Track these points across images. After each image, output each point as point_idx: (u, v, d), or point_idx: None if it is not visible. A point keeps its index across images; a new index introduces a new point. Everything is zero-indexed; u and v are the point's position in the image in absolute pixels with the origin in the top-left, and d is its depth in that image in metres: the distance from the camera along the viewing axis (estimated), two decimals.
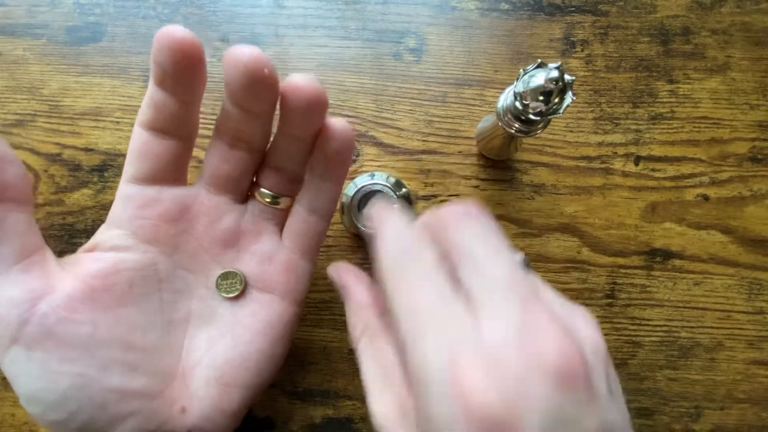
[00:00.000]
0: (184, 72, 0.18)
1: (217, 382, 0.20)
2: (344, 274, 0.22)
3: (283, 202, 0.22)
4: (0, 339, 0.17)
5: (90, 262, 0.20)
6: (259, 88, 0.18)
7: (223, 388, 0.20)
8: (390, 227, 0.18)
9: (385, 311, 0.20)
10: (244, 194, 0.22)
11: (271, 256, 0.22)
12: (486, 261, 0.16)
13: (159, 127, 0.19)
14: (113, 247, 0.20)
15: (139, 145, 0.19)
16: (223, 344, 0.21)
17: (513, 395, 0.13)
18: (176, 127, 0.19)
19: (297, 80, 0.18)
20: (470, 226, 0.17)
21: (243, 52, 0.17)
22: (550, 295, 0.17)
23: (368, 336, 0.19)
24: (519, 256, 0.20)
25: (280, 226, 0.22)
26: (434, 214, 0.18)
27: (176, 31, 0.17)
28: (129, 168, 0.20)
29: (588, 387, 0.14)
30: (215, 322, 0.21)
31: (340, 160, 0.21)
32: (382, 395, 0.18)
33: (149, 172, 0.20)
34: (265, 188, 0.21)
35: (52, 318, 0.18)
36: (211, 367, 0.20)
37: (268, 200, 0.21)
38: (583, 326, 0.16)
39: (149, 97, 0.19)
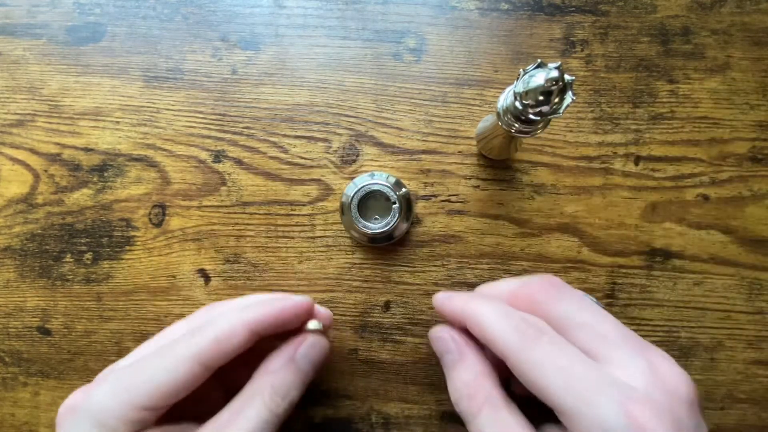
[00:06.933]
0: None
1: None
2: (459, 337, 0.22)
3: None
4: None
5: None
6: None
7: None
8: (485, 309, 0.20)
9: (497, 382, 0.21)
10: None
11: None
12: (596, 324, 0.19)
13: None
14: None
15: None
16: None
17: (675, 424, 0.17)
18: None
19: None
20: (567, 298, 0.20)
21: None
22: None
23: (491, 407, 0.20)
24: (594, 300, 0.24)
25: None
26: (519, 290, 0.21)
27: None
28: None
29: (701, 409, 0.19)
30: None
31: None
32: None
33: None
34: None
35: None
36: None
37: None
38: (674, 361, 0.19)
39: None
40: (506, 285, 0.22)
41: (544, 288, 0.21)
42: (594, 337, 0.19)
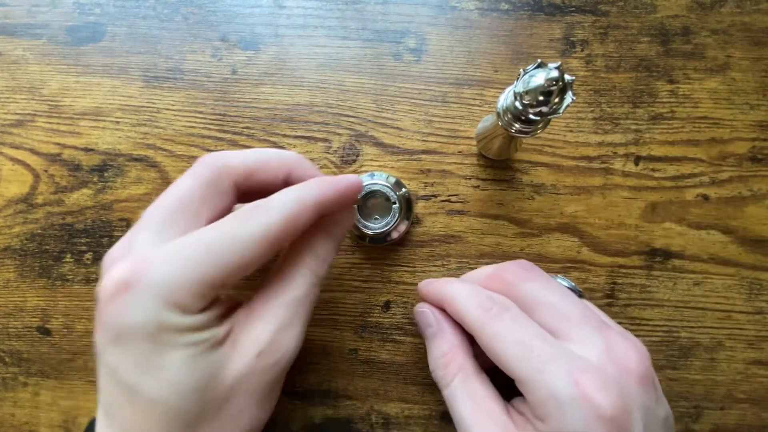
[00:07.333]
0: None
1: None
2: (439, 314, 0.24)
3: None
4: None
5: None
6: None
7: None
8: (458, 289, 0.23)
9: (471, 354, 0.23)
10: None
11: None
12: (559, 304, 0.21)
13: None
14: None
15: None
16: None
17: (623, 398, 0.18)
18: None
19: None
20: (535, 280, 0.22)
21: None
22: (605, 317, 0.23)
23: (463, 375, 0.22)
24: (571, 285, 0.26)
25: None
26: (493, 273, 0.23)
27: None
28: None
29: (655, 385, 0.20)
30: None
31: None
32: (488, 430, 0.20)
33: None
34: None
35: None
36: None
37: None
38: (633, 339, 0.21)
39: None
40: (484, 270, 0.25)
41: (514, 270, 0.23)
42: (557, 315, 0.21)
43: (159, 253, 0.18)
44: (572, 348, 0.20)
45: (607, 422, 0.18)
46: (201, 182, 0.20)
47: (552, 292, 0.22)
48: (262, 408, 0.20)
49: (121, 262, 0.18)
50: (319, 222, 0.22)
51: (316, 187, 0.20)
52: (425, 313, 0.24)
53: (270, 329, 0.20)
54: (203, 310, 0.19)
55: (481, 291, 0.22)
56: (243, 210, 0.19)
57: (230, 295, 0.21)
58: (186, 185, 0.20)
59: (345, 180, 0.21)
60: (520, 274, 0.23)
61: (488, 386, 0.22)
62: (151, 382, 0.18)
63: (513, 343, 0.20)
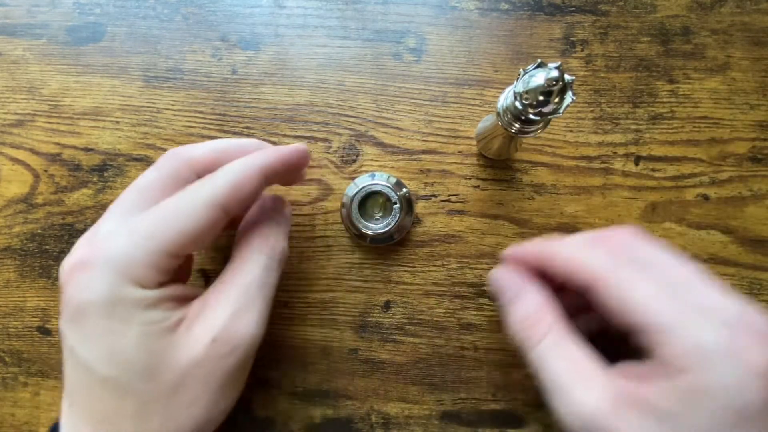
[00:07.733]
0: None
1: None
2: (519, 277, 0.22)
3: None
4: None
5: None
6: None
7: None
8: (570, 244, 0.21)
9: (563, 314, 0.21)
10: None
11: None
12: (679, 265, 0.19)
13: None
14: None
15: None
16: None
17: None
18: None
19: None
20: (649, 243, 0.20)
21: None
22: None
23: (555, 335, 0.20)
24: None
25: None
26: (598, 237, 0.21)
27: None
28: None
29: None
30: None
31: None
32: (589, 389, 0.18)
33: None
34: None
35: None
36: None
37: None
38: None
39: None
40: (583, 235, 0.22)
41: (624, 234, 0.21)
42: (679, 275, 0.19)
43: (114, 232, 0.19)
44: (708, 303, 0.18)
45: (764, 379, 0.16)
46: (163, 174, 0.21)
47: (668, 255, 0.20)
48: (221, 397, 0.20)
49: (80, 247, 0.19)
50: (264, 208, 0.24)
51: (261, 155, 0.21)
52: (504, 277, 0.23)
53: (224, 315, 0.20)
54: (160, 285, 0.19)
55: (598, 243, 0.20)
56: (193, 183, 0.21)
57: (187, 286, 0.22)
58: (148, 177, 0.21)
59: (289, 147, 0.22)
60: (630, 237, 0.21)
61: (585, 346, 0.19)
62: (104, 359, 0.18)
63: (646, 290, 0.18)
